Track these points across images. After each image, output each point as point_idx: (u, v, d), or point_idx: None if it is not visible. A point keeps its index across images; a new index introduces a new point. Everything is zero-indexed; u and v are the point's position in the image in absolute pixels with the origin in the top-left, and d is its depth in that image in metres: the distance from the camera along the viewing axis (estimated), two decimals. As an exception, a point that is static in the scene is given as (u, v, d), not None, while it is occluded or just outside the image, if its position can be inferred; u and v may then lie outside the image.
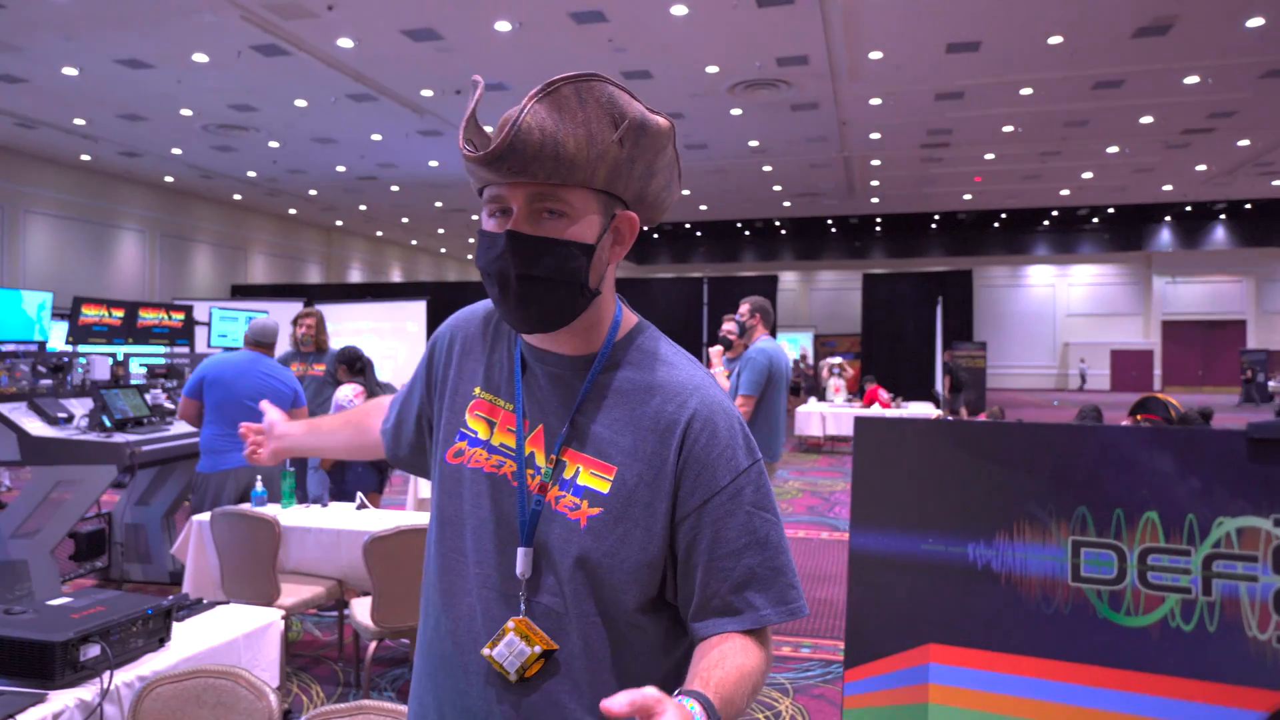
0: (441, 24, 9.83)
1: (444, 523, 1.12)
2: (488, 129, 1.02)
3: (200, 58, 10.82)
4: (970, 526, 1.09)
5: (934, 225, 28.85)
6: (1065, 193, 20.97)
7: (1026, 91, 12.32)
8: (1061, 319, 31.22)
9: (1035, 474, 1.07)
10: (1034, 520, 1.07)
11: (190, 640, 2.37)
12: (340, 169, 17.38)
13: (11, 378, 4.50)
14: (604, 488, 1.02)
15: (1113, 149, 15.95)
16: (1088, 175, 18.54)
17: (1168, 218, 28.34)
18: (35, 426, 4.51)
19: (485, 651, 1.02)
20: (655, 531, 1.01)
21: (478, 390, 1.13)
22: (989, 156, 16.54)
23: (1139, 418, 6.16)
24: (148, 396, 5.18)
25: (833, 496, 8.96)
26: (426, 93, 12.31)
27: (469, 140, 1.00)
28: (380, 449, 1.35)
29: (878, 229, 29.70)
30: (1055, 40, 10.29)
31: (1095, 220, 28.36)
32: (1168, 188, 20.12)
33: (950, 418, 11.49)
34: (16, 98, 12.52)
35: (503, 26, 9.83)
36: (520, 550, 1.03)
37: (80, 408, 4.88)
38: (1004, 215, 26.64)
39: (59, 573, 4.51)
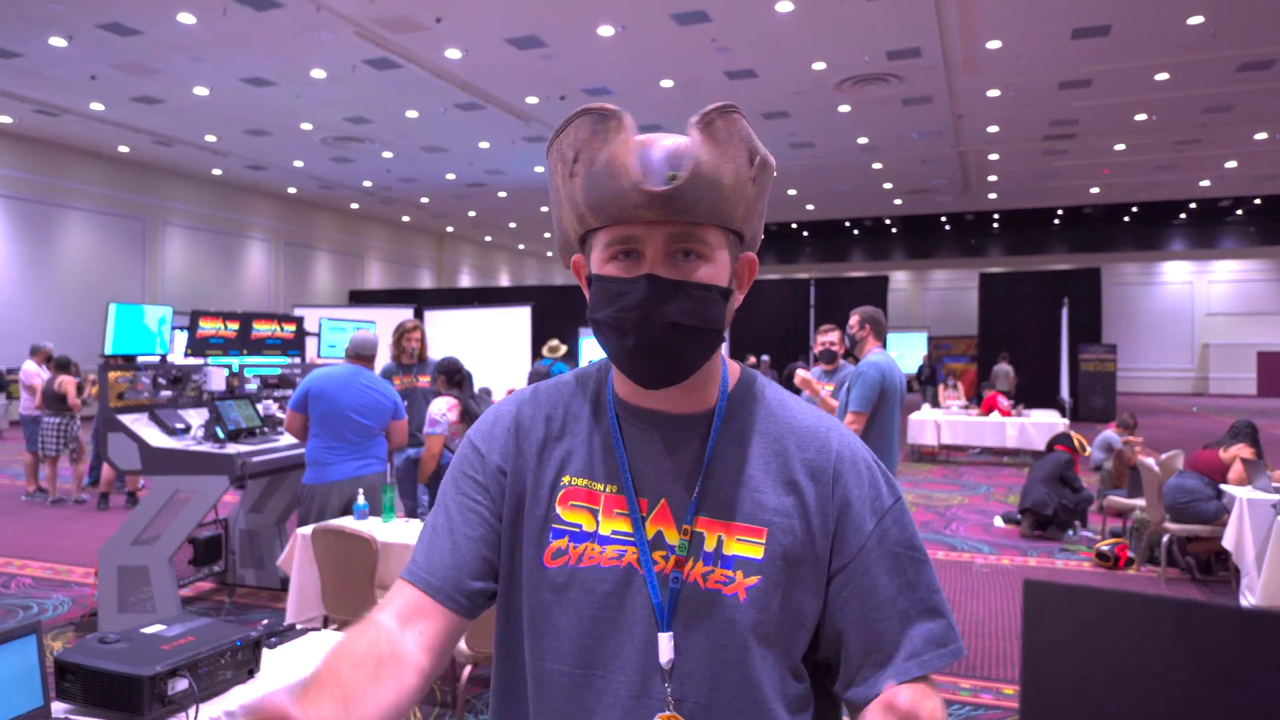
0: (545, 31, 9.88)
1: (544, 636, 0.96)
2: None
3: (318, 74, 11.25)
4: None
5: (1057, 221, 27.40)
6: (1205, 184, 19.55)
7: (1162, 77, 11.48)
8: (1200, 318, 29.10)
9: None
10: None
11: (279, 671, 2.34)
12: (450, 177, 17.82)
13: (133, 389, 4.69)
14: (757, 553, 0.92)
15: (1261, 135, 14.73)
16: (1231, 164, 17.21)
17: (1323, 208, 26.06)
18: (154, 437, 4.69)
19: None
20: (820, 590, 0.95)
21: (567, 479, 0.98)
22: (1119, 147, 15.54)
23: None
24: (259, 407, 5.32)
25: (948, 512, 8.51)
26: (532, 100, 12.44)
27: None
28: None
29: (995, 226, 28.44)
30: (1195, 20, 9.53)
31: (1239, 212, 26.35)
32: (1324, 175, 18.50)
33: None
34: (155, 117, 13.35)
35: (605, 31, 9.80)
36: (661, 636, 0.91)
37: (198, 418, 5.06)
38: (1135, 209, 25.04)
39: (176, 578, 4.67)
